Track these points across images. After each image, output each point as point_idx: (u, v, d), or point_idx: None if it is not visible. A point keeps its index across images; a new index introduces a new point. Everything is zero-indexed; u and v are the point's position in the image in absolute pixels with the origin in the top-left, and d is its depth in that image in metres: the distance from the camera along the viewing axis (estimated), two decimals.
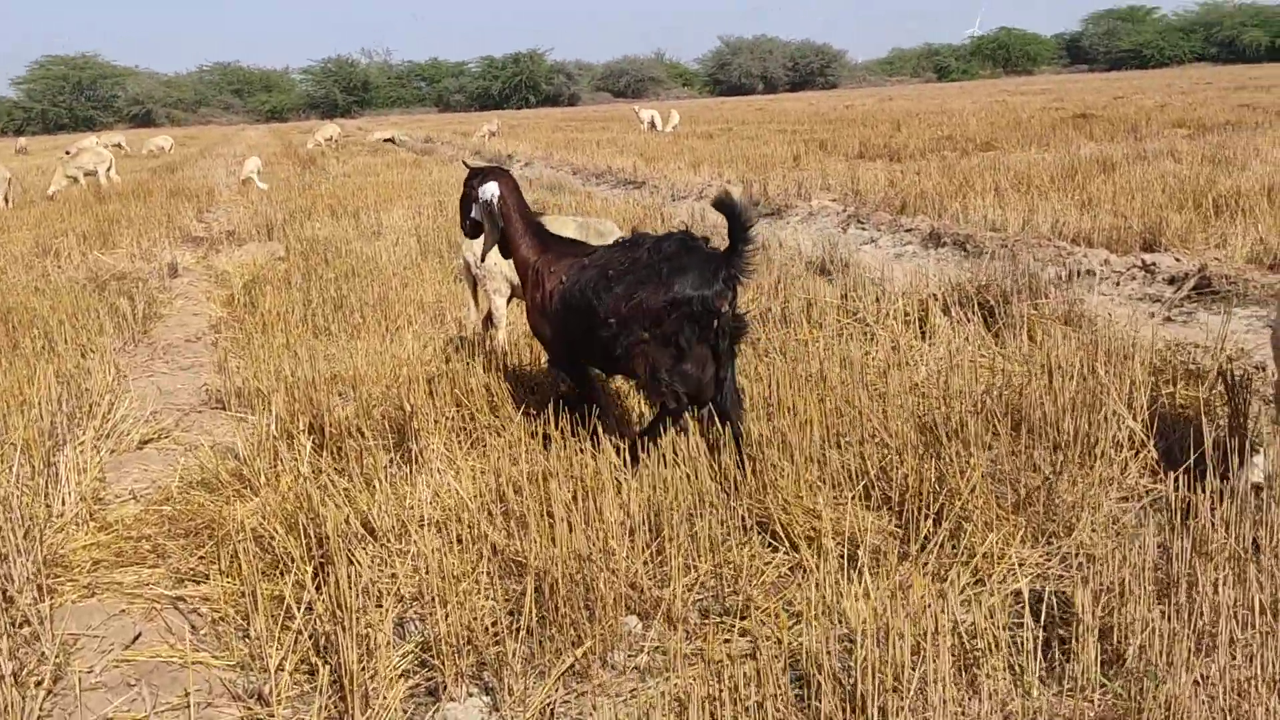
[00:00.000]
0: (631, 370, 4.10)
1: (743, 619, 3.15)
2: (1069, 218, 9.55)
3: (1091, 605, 2.64)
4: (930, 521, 3.46)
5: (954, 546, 3.43)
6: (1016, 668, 2.68)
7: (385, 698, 2.89)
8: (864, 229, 11.00)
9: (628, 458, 3.89)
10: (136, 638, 3.34)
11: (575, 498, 3.56)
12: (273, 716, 2.91)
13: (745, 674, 2.62)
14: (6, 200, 17.11)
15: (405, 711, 2.92)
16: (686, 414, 4.09)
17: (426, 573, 3.28)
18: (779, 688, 2.64)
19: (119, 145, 30.09)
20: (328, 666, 2.97)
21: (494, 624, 3.19)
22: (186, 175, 22.98)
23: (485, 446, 4.41)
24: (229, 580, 3.57)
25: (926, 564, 3.34)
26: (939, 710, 2.49)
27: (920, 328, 5.69)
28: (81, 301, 8.22)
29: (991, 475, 3.75)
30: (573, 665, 3.01)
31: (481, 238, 4.83)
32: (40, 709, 2.95)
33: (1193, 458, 3.55)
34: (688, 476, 3.76)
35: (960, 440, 3.83)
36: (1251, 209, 9.15)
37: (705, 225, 11.03)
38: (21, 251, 11.45)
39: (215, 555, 3.72)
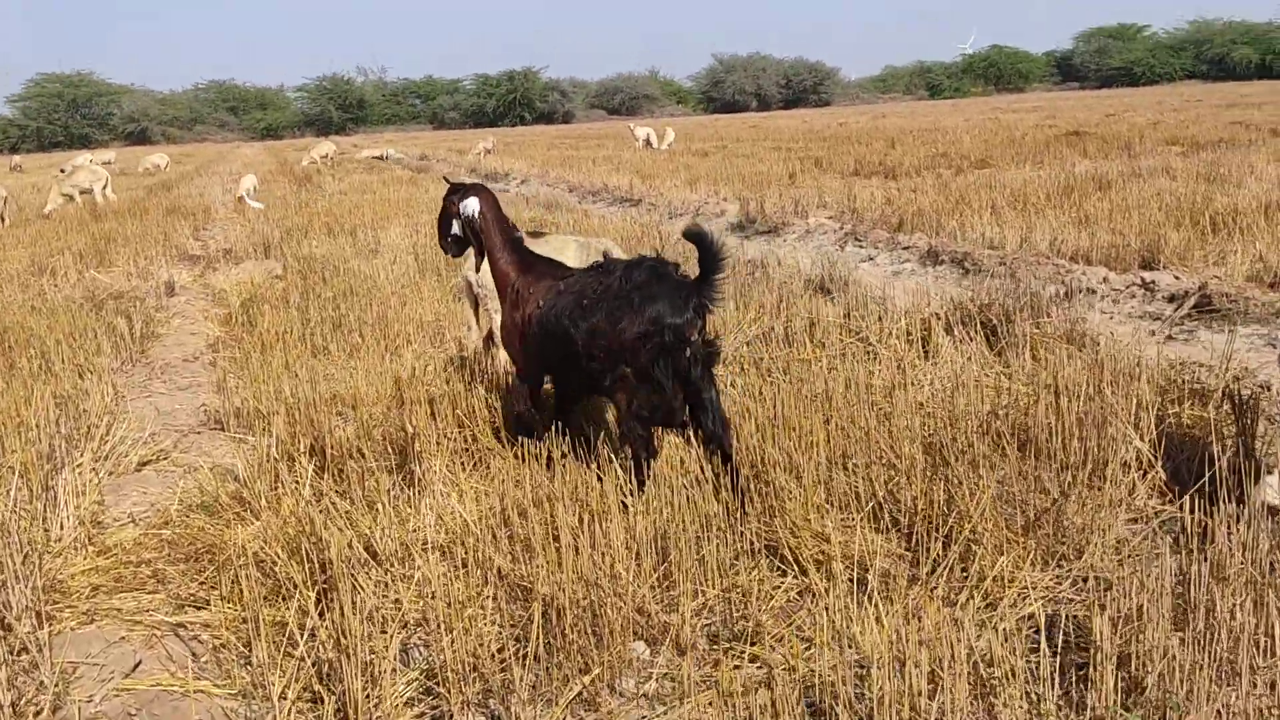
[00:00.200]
0: (613, 401, 4.13)
1: (753, 645, 3.11)
2: (1067, 235, 9.55)
3: (1110, 633, 2.60)
4: (940, 544, 3.43)
5: (964, 570, 3.41)
6: (1033, 696, 2.64)
7: None
8: (861, 246, 11.00)
9: (634, 483, 3.86)
10: (136, 666, 3.29)
11: (581, 521, 3.52)
12: None
13: (760, 704, 2.57)
14: (3, 219, 17.06)
15: None
16: (679, 437, 4.09)
17: (432, 598, 3.23)
18: (795, 718, 2.60)
19: (108, 162, 30.03)
20: (333, 696, 2.92)
21: (500, 650, 3.15)
22: (183, 193, 22.96)
23: (488, 469, 4.37)
24: (230, 606, 3.52)
25: (936, 588, 3.31)
26: None
27: (923, 347, 5.67)
28: (78, 321, 8.18)
29: (1000, 497, 3.72)
30: (581, 693, 2.97)
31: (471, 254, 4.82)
32: None
33: (1206, 478, 3.52)
34: (693, 500, 3.72)
35: (968, 461, 3.80)
36: (1249, 227, 9.16)
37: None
38: (18, 270, 11.41)
39: (216, 580, 3.67)
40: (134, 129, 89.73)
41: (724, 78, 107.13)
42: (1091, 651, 2.71)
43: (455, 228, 4.71)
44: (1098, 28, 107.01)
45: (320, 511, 3.86)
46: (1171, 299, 7.39)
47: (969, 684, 2.58)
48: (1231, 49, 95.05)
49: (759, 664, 3.03)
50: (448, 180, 4.99)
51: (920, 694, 2.50)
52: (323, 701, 2.97)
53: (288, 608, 3.36)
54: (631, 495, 3.81)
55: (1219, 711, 2.49)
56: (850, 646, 2.95)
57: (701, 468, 3.95)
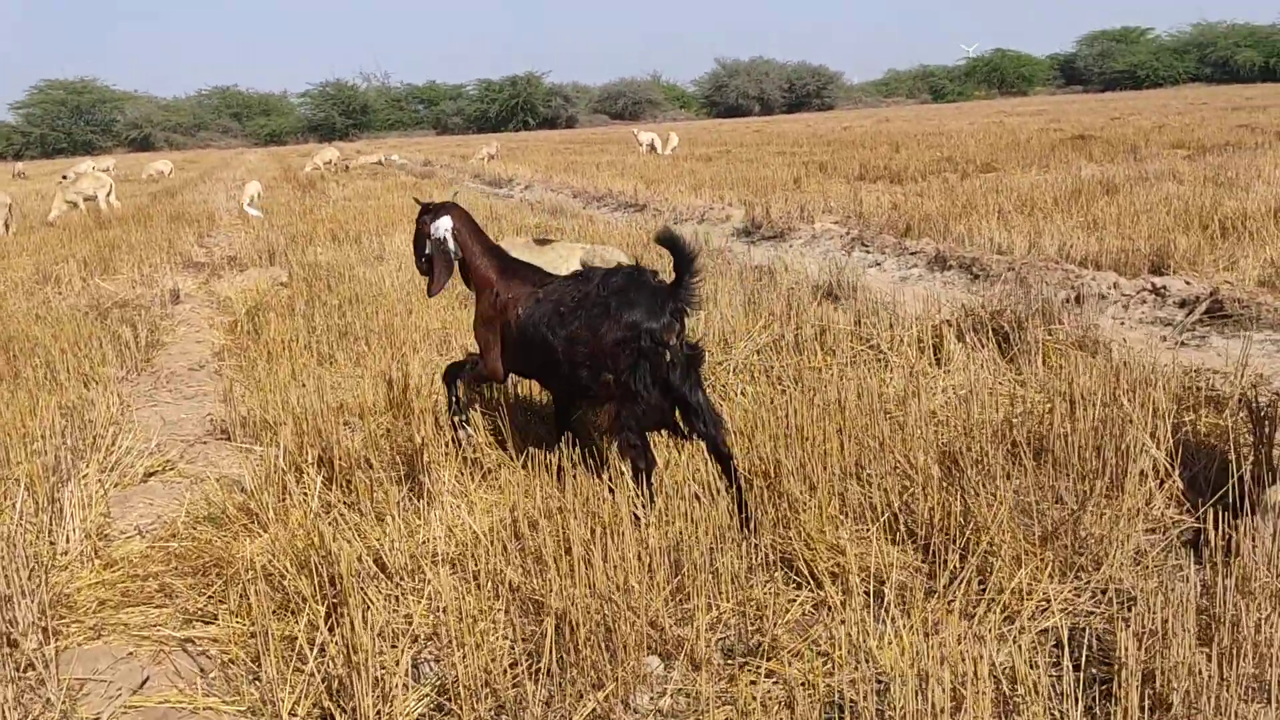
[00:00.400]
0: (597, 407, 4.20)
1: (769, 660, 3.06)
2: (1075, 240, 9.50)
3: (1135, 649, 2.55)
4: (956, 556, 3.38)
5: (981, 582, 3.36)
6: (1056, 713, 2.60)
7: None
8: (868, 252, 10.96)
9: (642, 494, 3.82)
10: (144, 682, 3.25)
11: (592, 533, 3.48)
12: None
13: None
14: (6, 227, 17.05)
15: None
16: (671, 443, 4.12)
17: (443, 612, 3.19)
18: None
19: (107, 169, 30.05)
20: (344, 713, 2.88)
21: (513, 665, 3.10)
22: (187, 200, 22.96)
23: (499, 480, 4.33)
24: (239, 620, 3.48)
25: (954, 601, 3.26)
26: None
27: (934, 354, 5.63)
28: (83, 329, 8.15)
29: (1016, 507, 3.68)
30: (595, 709, 2.92)
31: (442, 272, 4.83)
32: None
33: (1226, 487, 3.47)
34: (706, 511, 3.68)
35: (984, 471, 3.75)
36: (1259, 231, 9.11)
37: (709, 249, 11.00)
38: (22, 278, 11.39)
39: (224, 594, 3.63)
40: (137, 135, 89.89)
41: (727, 82, 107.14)
42: (1115, 668, 2.67)
43: (428, 248, 4.73)
44: (1101, 31, 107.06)
45: (329, 524, 3.82)
46: (1183, 304, 7.34)
47: (992, 703, 2.53)
48: (1235, 52, 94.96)
49: (775, 679, 2.98)
50: (417, 201, 5.03)
51: (943, 712, 2.46)
52: (334, 718, 2.93)
53: (297, 622, 3.32)
54: (643, 507, 3.77)
55: None
56: (868, 662, 2.91)
57: (714, 479, 3.90)
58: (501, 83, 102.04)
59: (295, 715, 2.97)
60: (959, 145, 23.29)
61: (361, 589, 3.36)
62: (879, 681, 2.83)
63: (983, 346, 5.61)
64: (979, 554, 3.38)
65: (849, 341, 5.71)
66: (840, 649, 2.88)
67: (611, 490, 3.79)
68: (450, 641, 3.08)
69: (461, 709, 2.91)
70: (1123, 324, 7.21)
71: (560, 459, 4.02)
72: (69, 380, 6.71)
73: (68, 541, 4.08)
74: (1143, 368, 4.88)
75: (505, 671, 3.05)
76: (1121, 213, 10.84)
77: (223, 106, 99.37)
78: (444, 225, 4.66)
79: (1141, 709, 2.57)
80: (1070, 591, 3.37)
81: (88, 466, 4.88)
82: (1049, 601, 3.27)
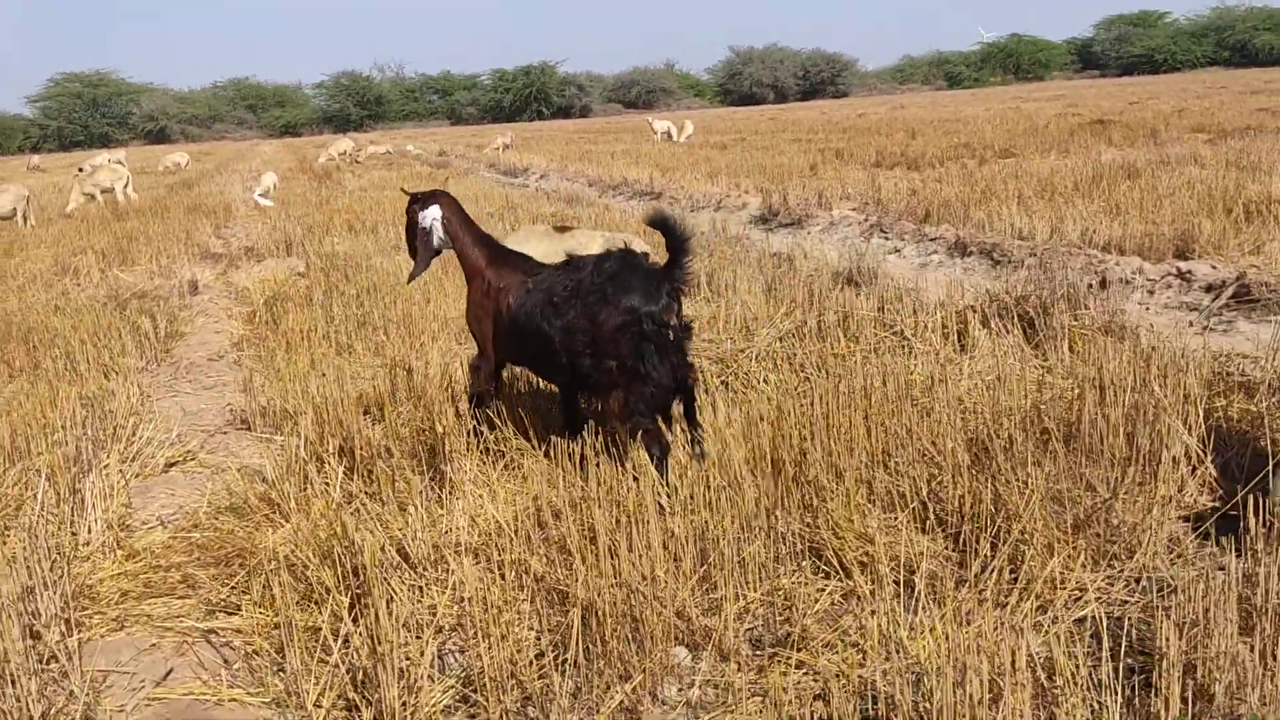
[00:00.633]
0: (601, 395, 4.16)
1: (799, 650, 3.02)
2: (1098, 225, 9.39)
3: (1176, 639, 2.49)
4: (988, 545, 3.33)
5: (1013, 571, 3.30)
6: (1094, 705, 2.54)
7: None
8: (887, 238, 10.87)
9: (674, 483, 3.78)
10: (168, 674, 3.23)
11: (617, 523, 3.43)
12: None
13: (816, 715, 2.48)
14: (25, 219, 17.11)
15: None
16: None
17: (468, 603, 3.16)
18: None
19: (119, 162, 30.13)
20: (369, 705, 2.85)
21: (539, 656, 3.07)
22: (203, 191, 22.99)
23: (521, 469, 4.29)
24: (262, 611, 3.46)
25: (985, 590, 3.20)
26: None
27: (959, 340, 5.56)
28: (102, 320, 8.15)
29: (1047, 495, 3.62)
30: (622, 701, 2.89)
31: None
32: None
33: (1264, 473, 3.41)
34: (732, 500, 3.63)
35: (1016, 458, 3.69)
36: None
37: (726, 236, 10.94)
38: (41, 270, 11.42)
39: (247, 585, 3.60)
40: (153, 128, 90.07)
41: (741, 70, 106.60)
42: (1155, 658, 2.61)
43: (428, 238, 4.72)
44: (1118, 15, 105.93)
45: (351, 513, 3.79)
46: (1209, 289, 7.25)
47: (1031, 696, 2.48)
48: (1254, 35, 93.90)
49: (806, 670, 2.94)
50: (405, 192, 5.01)
51: (981, 703, 2.41)
52: (359, 710, 2.90)
53: (321, 613, 3.30)
54: (668, 496, 3.73)
55: None
56: (899, 652, 2.86)
57: (738, 469, 3.85)
58: (515, 72, 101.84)
59: (320, 707, 2.94)
60: (976, 131, 23.11)
61: (385, 579, 3.33)
62: (908, 673, 2.78)
63: (1008, 332, 5.53)
64: (1010, 542, 3.32)
65: (872, 328, 5.65)
66: (872, 640, 2.83)
67: (636, 479, 3.75)
68: (475, 632, 3.04)
69: (488, 701, 2.88)
70: (1148, 309, 7.12)
71: (583, 448, 3.98)
72: (89, 371, 6.71)
73: (89, 532, 4.07)
74: (1173, 353, 4.80)
75: (531, 663, 3.01)
76: (1144, 197, 10.71)
77: (238, 98, 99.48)
78: (432, 214, 4.66)
79: (1184, 700, 2.51)
80: (1103, 580, 3.31)
81: (109, 457, 4.87)
82: (1082, 591, 3.21)
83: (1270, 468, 3.49)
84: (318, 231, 13.14)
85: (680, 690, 2.94)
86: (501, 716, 2.86)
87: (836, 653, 2.98)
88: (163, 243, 12.78)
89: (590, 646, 3.03)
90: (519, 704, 2.92)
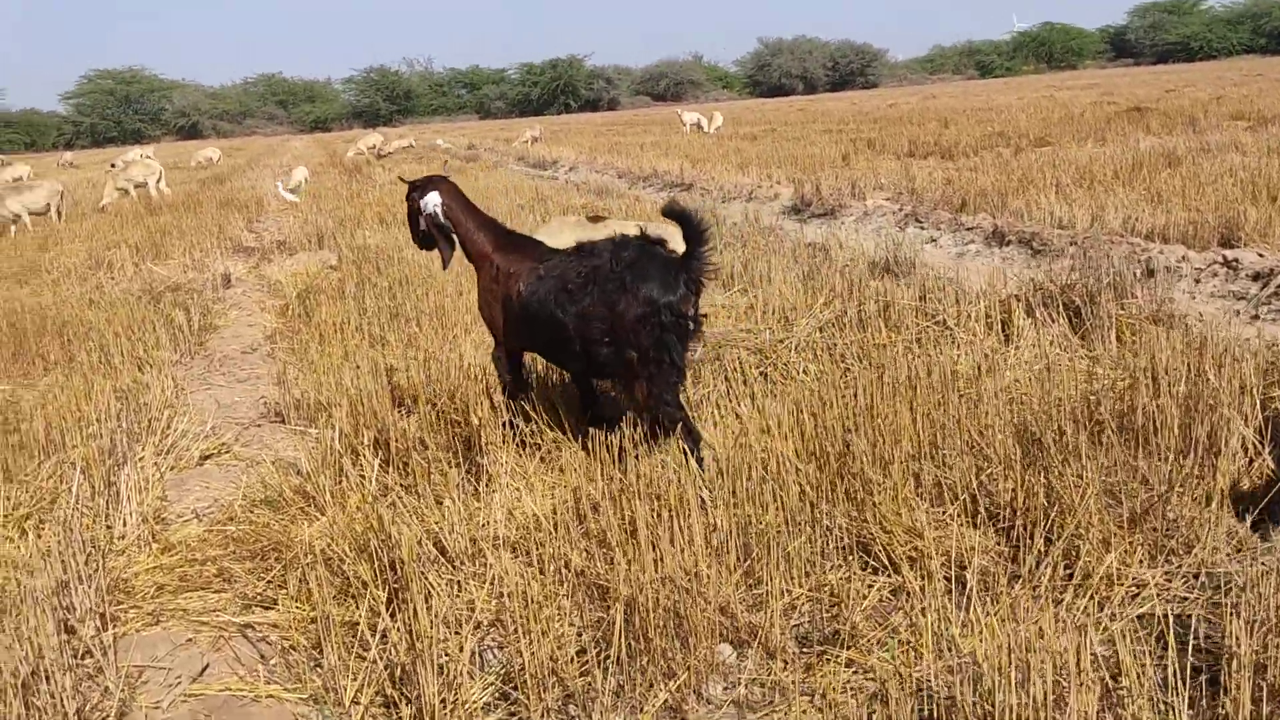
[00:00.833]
0: (624, 386, 4.10)
1: (848, 648, 2.93)
2: (1140, 213, 9.20)
3: (1247, 638, 2.38)
4: (1042, 540, 3.22)
5: (1068, 567, 3.20)
6: (1161, 706, 2.44)
7: None
8: (923, 228, 10.72)
9: (714, 474, 3.70)
10: (204, 669, 3.19)
11: (658, 516, 3.36)
12: None
13: (874, 716, 2.39)
14: (59, 214, 17.25)
15: None
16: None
17: (507, 598, 3.09)
18: None
19: (148, 157, 30.34)
20: (408, 702, 2.79)
21: (580, 653, 3.00)
22: (235, 186, 23.09)
23: (558, 461, 4.22)
24: (298, 606, 3.41)
25: (1039, 586, 3.10)
26: None
27: (1002, 330, 5.43)
28: (137, 314, 8.16)
29: (1101, 488, 3.50)
30: (666, 700, 2.81)
31: (440, 250, 4.77)
32: None
33: None
34: (775, 494, 3.54)
35: (1070, 451, 3.58)
36: None
37: (759, 227, 10.82)
38: (75, 264, 11.48)
39: (283, 579, 3.55)
40: (185, 123, 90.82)
41: (769, 61, 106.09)
42: (1225, 658, 2.50)
43: (422, 224, 4.66)
44: (1152, 2, 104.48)
45: (388, 506, 3.74)
46: (1256, 277, 7.06)
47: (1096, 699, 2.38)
48: None
49: (856, 669, 2.85)
50: (402, 180, 4.95)
51: (1045, 705, 2.31)
52: (397, 707, 2.85)
53: (357, 608, 3.24)
54: (710, 489, 3.65)
55: None
56: (951, 650, 2.77)
57: (778, 459, 3.77)
58: (543, 66, 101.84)
59: (359, 704, 2.89)
60: (1010, 120, 22.82)
61: (423, 574, 3.27)
62: (959, 671, 2.69)
63: (1053, 321, 5.40)
64: (1066, 537, 3.21)
65: (913, 317, 5.53)
66: (926, 637, 2.73)
67: (676, 471, 3.67)
68: (515, 628, 2.98)
69: (529, 698, 2.81)
70: (1193, 298, 6.95)
71: (621, 439, 3.90)
72: (123, 364, 6.71)
73: (124, 525, 4.04)
74: (1226, 341, 4.66)
75: (572, 660, 2.94)
76: (1185, 184, 10.50)
77: (268, 94, 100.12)
78: (432, 200, 4.61)
79: (1254, 701, 2.41)
80: (1161, 576, 3.20)
81: (143, 450, 4.85)
82: (1140, 587, 3.11)
83: None
84: (349, 225, 13.14)
85: (726, 689, 2.86)
86: (543, 715, 2.79)
87: (887, 651, 2.89)
88: (196, 237, 12.82)
89: (633, 643, 2.95)
90: (560, 702, 2.85)
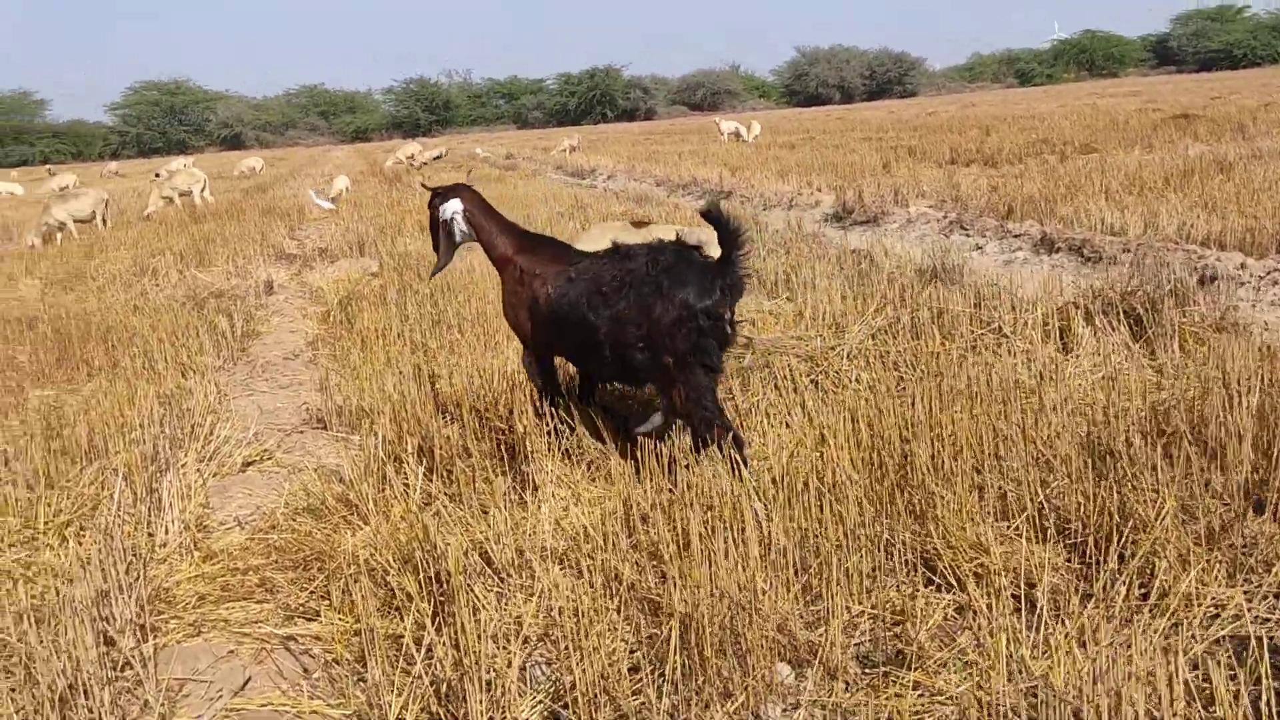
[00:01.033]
0: (665, 397, 4.00)
1: (913, 669, 2.79)
2: (1195, 219, 8.98)
3: None
4: (1115, 556, 3.07)
5: (1143, 585, 3.05)
6: None
7: None
8: (968, 235, 10.55)
9: (768, 484, 3.58)
10: (246, 683, 3.10)
11: (712, 530, 3.24)
12: None
13: None
14: (104, 221, 17.43)
15: None
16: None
17: (556, 613, 2.99)
18: None
19: (187, 166, 30.65)
20: None
21: (633, 670, 2.89)
22: (277, 195, 23.26)
23: (604, 470, 4.11)
24: (342, 617, 3.32)
25: (1114, 606, 2.95)
26: None
27: (1061, 338, 5.27)
28: (180, 320, 8.17)
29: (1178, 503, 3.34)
30: None
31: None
32: None
33: None
34: (832, 506, 3.42)
35: (1144, 464, 3.42)
36: None
37: (801, 234, 10.69)
38: (120, 270, 11.55)
39: (326, 590, 3.47)
40: (228, 134, 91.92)
41: (806, 70, 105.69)
42: None
43: (449, 231, 4.63)
44: (1195, 10, 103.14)
45: (432, 515, 3.65)
46: None
47: None
48: None
49: (922, 692, 2.71)
50: (425, 187, 4.89)
51: None
52: None
53: (402, 621, 3.15)
54: (763, 500, 3.53)
55: None
56: (1022, 672, 2.63)
57: (834, 470, 3.64)
58: (581, 76, 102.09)
59: None
60: (1053, 127, 22.51)
61: (469, 586, 3.17)
62: (1033, 695, 2.55)
63: (1113, 330, 5.23)
64: (1141, 555, 3.06)
65: (967, 325, 5.38)
66: (998, 659, 2.59)
67: (730, 482, 3.55)
68: (565, 644, 2.87)
69: (580, 717, 2.70)
70: (1254, 306, 6.74)
71: (671, 449, 3.79)
72: (167, 370, 6.70)
73: (166, 533, 3.98)
74: None
75: (624, 677, 2.83)
76: (1240, 191, 10.26)
77: (310, 105, 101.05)
78: (452, 207, 4.56)
79: None
80: (1241, 596, 3.04)
81: (186, 456, 4.80)
82: (1218, 608, 2.95)
83: None
84: (389, 232, 13.14)
85: (785, 711, 2.74)
86: None
87: (955, 672, 2.75)
88: (238, 244, 12.88)
89: (688, 660, 2.84)
90: None
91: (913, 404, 3.90)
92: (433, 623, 3.06)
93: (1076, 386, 4.44)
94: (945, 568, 3.18)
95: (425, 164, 32.32)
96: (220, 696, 3.02)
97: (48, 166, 48.20)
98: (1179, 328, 5.19)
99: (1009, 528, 3.37)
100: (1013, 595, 3.02)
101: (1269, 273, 7.33)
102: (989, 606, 2.96)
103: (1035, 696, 2.46)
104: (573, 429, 4.36)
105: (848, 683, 2.78)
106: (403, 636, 3.05)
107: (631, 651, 2.97)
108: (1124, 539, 3.15)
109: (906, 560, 3.24)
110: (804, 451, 3.88)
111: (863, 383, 4.84)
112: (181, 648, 3.28)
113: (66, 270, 12.47)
